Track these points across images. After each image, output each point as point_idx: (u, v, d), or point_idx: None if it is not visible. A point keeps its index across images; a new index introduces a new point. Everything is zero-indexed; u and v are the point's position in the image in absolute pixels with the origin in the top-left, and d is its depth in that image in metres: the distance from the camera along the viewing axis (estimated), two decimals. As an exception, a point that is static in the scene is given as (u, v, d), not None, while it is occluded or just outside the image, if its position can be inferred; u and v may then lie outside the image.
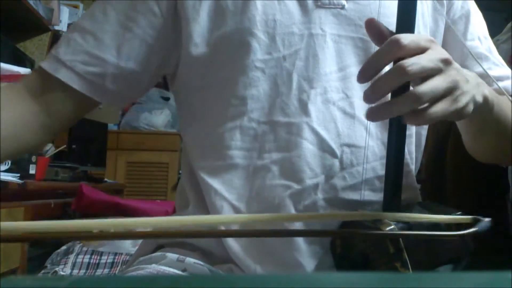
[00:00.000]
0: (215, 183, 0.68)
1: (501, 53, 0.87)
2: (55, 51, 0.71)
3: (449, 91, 0.53)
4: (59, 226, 0.36)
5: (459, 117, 0.55)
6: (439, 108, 0.52)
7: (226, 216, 0.64)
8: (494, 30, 1.02)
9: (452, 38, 0.76)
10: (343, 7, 0.70)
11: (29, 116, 0.69)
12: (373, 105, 0.52)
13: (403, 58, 0.51)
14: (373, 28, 0.55)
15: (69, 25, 3.01)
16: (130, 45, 0.71)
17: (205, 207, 0.70)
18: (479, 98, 0.58)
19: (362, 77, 0.53)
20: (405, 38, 0.51)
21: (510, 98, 0.68)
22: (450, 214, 0.58)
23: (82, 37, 0.70)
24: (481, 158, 0.78)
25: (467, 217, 0.49)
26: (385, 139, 0.67)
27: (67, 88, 0.70)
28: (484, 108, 0.61)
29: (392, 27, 0.69)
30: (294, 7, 0.69)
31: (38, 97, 0.70)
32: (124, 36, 0.70)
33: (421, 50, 0.52)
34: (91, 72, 0.70)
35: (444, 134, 1.21)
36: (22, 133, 0.69)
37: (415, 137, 0.74)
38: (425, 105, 0.51)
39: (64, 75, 0.69)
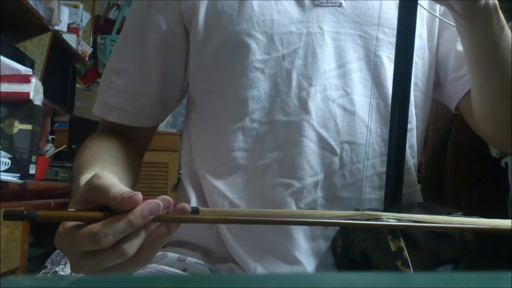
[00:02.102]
0: (219, 183, 0.69)
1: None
2: (100, 95, 0.77)
3: None
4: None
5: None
6: None
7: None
8: (494, 30, 1.01)
9: (448, 32, 0.76)
10: (340, 5, 0.70)
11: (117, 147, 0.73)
12: None
13: None
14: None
15: (69, 25, 3.01)
16: (158, 69, 0.75)
17: (206, 206, 0.70)
18: (491, 0, 0.57)
19: None
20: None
21: None
22: (450, 214, 0.58)
23: (118, 77, 0.76)
24: (488, 126, 0.73)
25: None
26: (385, 136, 0.67)
27: (121, 125, 0.77)
28: (494, 16, 0.59)
29: (390, 22, 0.70)
30: (291, 6, 0.70)
31: (109, 136, 0.76)
32: (150, 65, 0.75)
33: None
34: (135, 107, 0.76)
35: (444, 133, 1.21)
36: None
37: (416, 130, 0.74)
38: None
39: (114, 117, 0.77)
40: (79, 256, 0.45)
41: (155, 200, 0.44)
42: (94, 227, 0.43)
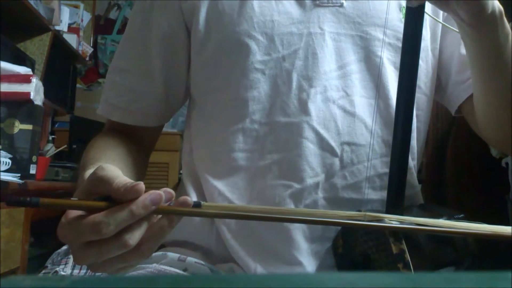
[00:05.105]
0: (219, 184, 0.69)
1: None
2: (104, 95, 0.77)
3: None
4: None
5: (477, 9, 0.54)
6: None
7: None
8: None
9: (451, 35, 0.76)
10: (341, 5, 0.70)
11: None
12: None
13: None
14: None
15: (69, 25, 3.01)
16: (161, 69, 0.75)
17: (206, 206, 0.70)
18: (497, 8, 0.57)
19: None
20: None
21: None
22: (451, 216, 0.58)
23: (121, 77, 0.76)
24: (491, 130, 0.73)
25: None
26: (385, 137, 0.67)
27: (126, 125, 0.77)
28: (500, 25, 0.59)
29: (391, 23, 0.69)
30: (292, 7, 0.69)
31: (114, 135, 0.75)
32: (153, 65, 0.75)
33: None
34: (138, 107, 0.76)
35: (444, 134, 1.21)
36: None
37: (417, 132, 0.73)
38: None
39: (117, 117, 0.77)
40: (82, 246, 0.45)
41: (157, 191, 0.44)
42: (96, 216, 0.43)
